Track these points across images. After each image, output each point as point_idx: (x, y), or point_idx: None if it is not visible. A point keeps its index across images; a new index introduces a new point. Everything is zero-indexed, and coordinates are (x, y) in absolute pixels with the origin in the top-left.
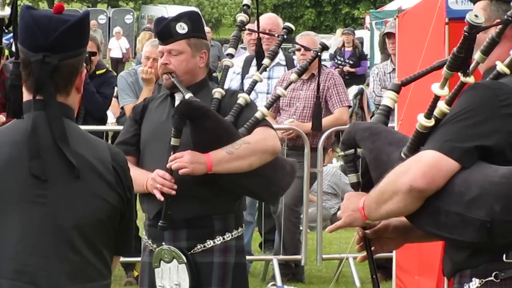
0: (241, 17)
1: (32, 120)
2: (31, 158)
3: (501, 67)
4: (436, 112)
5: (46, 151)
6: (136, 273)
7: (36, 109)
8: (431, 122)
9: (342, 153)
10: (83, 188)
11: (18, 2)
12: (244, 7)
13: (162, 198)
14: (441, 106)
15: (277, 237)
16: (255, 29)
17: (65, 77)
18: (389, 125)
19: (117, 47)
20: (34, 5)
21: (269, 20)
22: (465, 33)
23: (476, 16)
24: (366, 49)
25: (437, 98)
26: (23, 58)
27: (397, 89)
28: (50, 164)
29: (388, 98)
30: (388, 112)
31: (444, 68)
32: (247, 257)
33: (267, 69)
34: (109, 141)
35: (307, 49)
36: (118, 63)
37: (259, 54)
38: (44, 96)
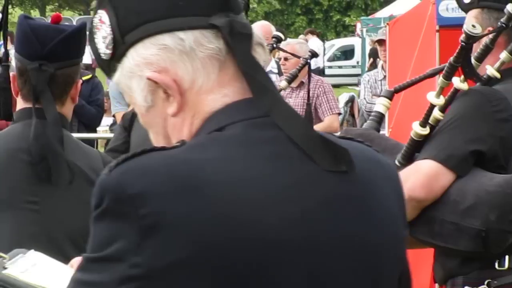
0: None
1: (34, 127)
2: (38, 163)
3: (491, 71)
4: (429, 119)
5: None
6: None
7: (36, 117)
8: (426, 131)
9: None
10: (75, 197)
11: (10, 10)
12: None
13: None
14: (435, 113)
15: None
16: None
17: (61, 86)
18: (380, 132)
19: (86, 52)
20: (26, 13)
21: (263, 28)
22: (462, 43)
23: (473, 26)
24: (358, 56)
25: (432, 107)
26: (19, 66)
27: (390, 96)
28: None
29: (380, 105)
30: (380, 119)
31: (440, 77)
32: None
33: None
34: (99, 148)
35: (296, 56)
36: (88, 69)
37: None
38: (44, 104)
